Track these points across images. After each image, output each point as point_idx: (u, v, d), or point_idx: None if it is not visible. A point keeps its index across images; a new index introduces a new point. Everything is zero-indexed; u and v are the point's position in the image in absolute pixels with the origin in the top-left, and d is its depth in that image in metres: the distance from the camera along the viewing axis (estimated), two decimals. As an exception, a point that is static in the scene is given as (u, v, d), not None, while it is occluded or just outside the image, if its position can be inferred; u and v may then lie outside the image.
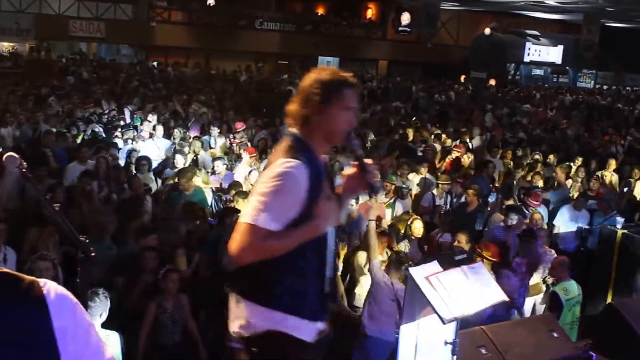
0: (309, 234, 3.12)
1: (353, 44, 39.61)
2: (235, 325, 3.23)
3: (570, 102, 30.23)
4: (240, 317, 3.20)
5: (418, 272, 4.19)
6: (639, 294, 8.22)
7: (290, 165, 3.11)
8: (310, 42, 37.66)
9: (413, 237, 8.83)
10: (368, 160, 3.29)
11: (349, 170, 3.37)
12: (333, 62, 41.71)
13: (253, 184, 10.17)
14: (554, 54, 41.35)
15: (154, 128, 13.61)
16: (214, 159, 11.86)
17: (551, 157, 14.51)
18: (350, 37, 39.61)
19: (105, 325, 5.70)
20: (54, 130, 12.72)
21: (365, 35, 40.76)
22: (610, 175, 13.15)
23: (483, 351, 5.47)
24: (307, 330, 3.21)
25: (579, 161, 14.03)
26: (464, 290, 4.30)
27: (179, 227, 8.40)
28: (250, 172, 10.77)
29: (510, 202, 10.46)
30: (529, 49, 40.10)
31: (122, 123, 14.75)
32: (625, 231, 9.13)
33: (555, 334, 6.02)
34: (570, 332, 7.17)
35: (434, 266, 4.31)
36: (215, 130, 14.37)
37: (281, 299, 3.14)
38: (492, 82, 34.39)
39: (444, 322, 4.09)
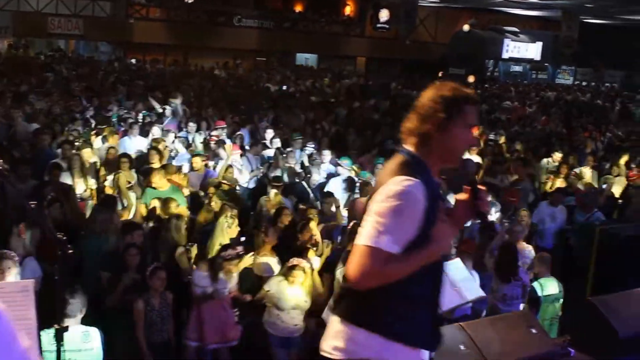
0: (428, 258, 3.01)
1: (331, 41, 39.58)
2: (328, 345, 3.12)
3: (555, 99, 30.41)
4: (338, 339, 3.09)
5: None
6: (618, 290, 8.23)
7: (409, 184, 2.98)
8: (289, 39, 37.65)
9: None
10: (481, 187, 3.16)
11: (461, 195, 3.21)
12: (311, 59, 41.74)
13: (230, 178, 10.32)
14: (532, 50, 41.49)
15: (131, 125, 13.51)
16: (193, 155, 11.78)
17: (529, 153, 14.57)
18: (329, 34, 39.59)
19: (87, 322, 5.70)
20: (38, 127, 12.61)
21: (343, 32, 40.73)
22: (588, 171, 13.17)
23: (462, 347, 5.44)
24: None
25: (557, 157, 14.07)
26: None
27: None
28: (227, 168, 10.75)
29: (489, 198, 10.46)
30: (508, 45, 40.21)
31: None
32: (603, 228, 9.15)
33: (533, 330, 6.00)
34: (550, 328, 7.18)
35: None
36: (192, 127, 14.29)
37: (392, 325, 3.01)
38: (471, 78, 34.47)
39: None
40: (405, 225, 2.94)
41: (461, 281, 4.42)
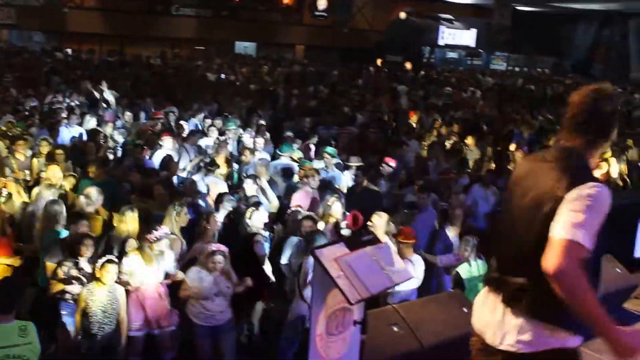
0: (607, 337, 2.99)
1: (270, 29, 39.52)
2: (511, 340, 3.23)
3: (493, 84, 30.92)
4: (523, 333, 3.20)
5: (325, 255, 4.24)
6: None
7: (602, 191, 3.11)
8: (227, 28, 37.39)
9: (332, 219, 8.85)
10: None
11: None
12: (250, 47, 41.57)
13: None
14: (467, 37, 42.11)
15: (69, 115, 13.35)
16: (134, 145, 11.73)
17: (469, 139, 14.85)
18: (267, 22, 39.50)
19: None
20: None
21: (282, 20, 40.69)
22: (520, 155, 13.48)
23: (395, 329, 5.59)
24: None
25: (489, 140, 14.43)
26: (370, 270, 4.38)
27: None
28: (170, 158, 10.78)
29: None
30: (443, 32, 40.74)
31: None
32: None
33: (465, 310, 6.18)
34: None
35: (340, 248, 4.38)
36: (129, 116, 14.18)
37: (572, 320, 3.07)
38: (408, 65, 34.86)
39: (351, 303, 4.16)
40: (596, 226, 3.04)
41: (390, 264, 4.55)
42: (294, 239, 8.14)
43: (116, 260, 6.93)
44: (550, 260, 2.95)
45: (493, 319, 3.35)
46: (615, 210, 8.85)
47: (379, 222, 7.96)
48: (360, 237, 4.64)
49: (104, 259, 6.81)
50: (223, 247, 7.26)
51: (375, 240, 4.61)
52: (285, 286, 7.98)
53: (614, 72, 42.13)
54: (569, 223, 3.00)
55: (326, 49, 41.68)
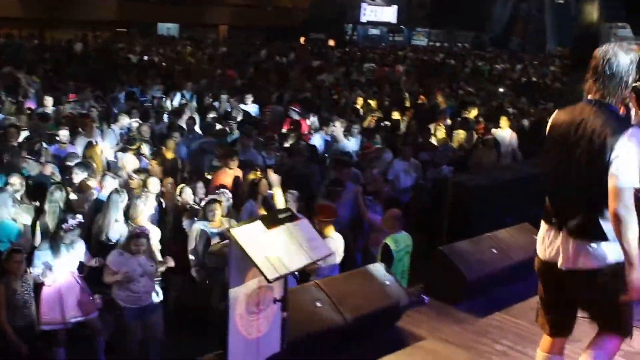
0: (629, 262, 3.72)
1: (192, 10, 38.92)
2: (581, 263, 3.92)
3: (415, 60, 31.24)
4: (588, 254, 3.89)
5: (241, 233, 4.24)
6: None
7: (635, 132, 3.78)
8: (149, 9, 36.72)
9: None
10: None
11: None
12: (173, 28, 40.95)
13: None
14: (388, 13, 42.46)
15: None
16: (58, 130, 11.45)
17: (396, 113, 14.98)
18: (190, 2, 38.90)
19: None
20: None
21: (205, 0, 40.15)
22: (441, 128, 13.69)
23: (318, 304, 5.64)
24: None
25: (410, 113, 14.61)
26: (288, 247, 4.39)
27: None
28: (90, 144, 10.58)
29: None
30: (365, 9, 41.00)
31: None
32: (456, 180, 9.61)
33: (387, 282, 6.28)
34: (401, 281, 7.46)
35: (257, 226, 4.38)
36: (49, 101, 13.84)
37: None
38: (331, 42, 34.94)
39: (269, 281, 4.17)
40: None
41: (308, 241, 4.57)
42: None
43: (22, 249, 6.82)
44: (613, 204, 3.67)
45: (562, 248, 4.01)
46: (530, 178, 9.04)
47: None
48: (278, 215, 4.65)
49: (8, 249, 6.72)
50: (145, 229, 7.21)
51: (293, 217, 4.62)
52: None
53: (532, 45, 43.14)
54: (625, 171, 3.68)
55: (250, 29, 41.40)
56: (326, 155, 12.01)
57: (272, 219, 4.56)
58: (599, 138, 3.79)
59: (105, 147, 11.16)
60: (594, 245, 3.89)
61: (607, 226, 3.79)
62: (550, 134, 4.14)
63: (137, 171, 9.53)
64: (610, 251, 3.85)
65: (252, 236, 4.29)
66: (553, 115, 4.20)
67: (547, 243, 4.13)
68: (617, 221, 3.66)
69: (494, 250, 7.14)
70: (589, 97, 3.98)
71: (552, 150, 4.13)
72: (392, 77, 23.64)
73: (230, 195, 8.61)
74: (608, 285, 3.87)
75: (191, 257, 7.90)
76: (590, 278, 3.93)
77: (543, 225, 4.22)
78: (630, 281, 3.70)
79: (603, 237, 3.85)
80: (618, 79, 3.87)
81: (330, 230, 7.80)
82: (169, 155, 10.83)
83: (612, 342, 4.12)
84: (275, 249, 4.33)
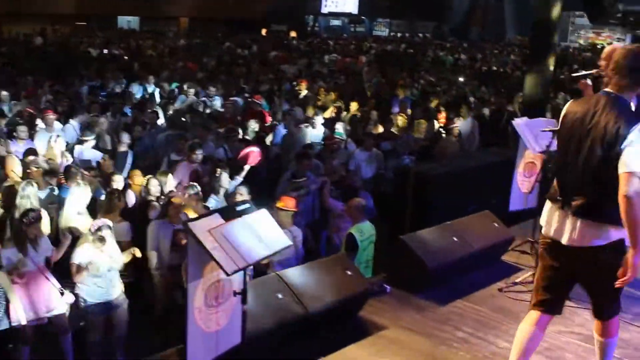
0: (634, 246, 4.00)
1: (152, 2, 38.66)
2: (588, 241, 4.24)
3: (376, 50, 31.28)
4: (600, 234, 4.22)
5: (199, 226, 4.21)
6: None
7: None
8: (109, 2, 36.35)
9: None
10: None
11: None
12: (133, 21, 40.59)
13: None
14: (350, 4, 42.49)
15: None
16: (17, 125, 11.27)
17: (353, 104, 14.97)
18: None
19: None
20: None
21: (165, -7, 39.88)
22: (403, 118, 13.73)
23: (280, 296, 5.61)
24: None
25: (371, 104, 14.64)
26: (246, 240, 4.36)
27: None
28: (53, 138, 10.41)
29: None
30: (326, 0, 40.92)
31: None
32: (417, 169, 9.65)
33: (349, 272, 6.27)
34: (366, 270, 7.50)
35: (215, 219, 4.35)
36: (5, 96, 13.60)
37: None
38: (293, 34, 34.89)
39: (227, 274, 4.15)
40: None
41: (267, 233, 4.55)
42: None
43: None
44: (624, 189, 3.93)
45: (567, 227, 4.33)
46: (491, 166, 9.16)
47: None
48: (235, 207, 4.62)
49: None
50: (108, 221, 7.14)
51: (251, 210, 4.60)
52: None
53: (491, 35, 43.50)
54: (636, 158, 3.95)
55: (211, 21, 41.16)
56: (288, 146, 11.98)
57: (230, 212, 4.52)
58: (613, 127, 4.11)
59: (61, 142, 11.01)
60: (599, 225, 4.23)
61: (613, 209, 4.02)
62: (563, 122, 4.46)
63: (89, 168, 9.45)
64: (613, 231, 4.19)
65: (209, 229, 4.26)
66: (567, 105, 4.52)
67: (553, 222, 4.44)
68: (627, 204, 3.92)
69: (455, 239, 7.17)
70: (607, 89, 4.31)
71: (566, 136, 4.42)
72: (354, 68, 23.67)
73: (199, 189, 8.53)
74: (609, 260, 4.18)
75: (151, 255, 7.79)
76: (593, 254, 4.26)
77: (548, 205, 4.54)
78: (632, 264, 4.00)
79: (609, 218, 4.15)
80: (636, 75, 4.23)
81: (290, 223, 7.81)
82: (122, 148, 10.75)
83: (615, 325, 4.55)
84: (234, 241, 4.30)
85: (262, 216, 4.65)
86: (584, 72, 7.38)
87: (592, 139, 4.19)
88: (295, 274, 6.00)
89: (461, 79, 21.52)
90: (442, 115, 14.08)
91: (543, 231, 4.55)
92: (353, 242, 7.53)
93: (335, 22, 45.29)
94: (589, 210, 4.24)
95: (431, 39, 41.25)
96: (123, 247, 7.36)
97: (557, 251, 4.42)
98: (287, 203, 7.82)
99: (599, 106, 4.24)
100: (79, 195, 8.00)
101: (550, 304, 4.57)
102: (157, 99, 15.24)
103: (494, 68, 26.51)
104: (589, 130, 4.22)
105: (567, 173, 4.38)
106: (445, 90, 18.38)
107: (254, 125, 12.18)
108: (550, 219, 4.47)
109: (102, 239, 6.92)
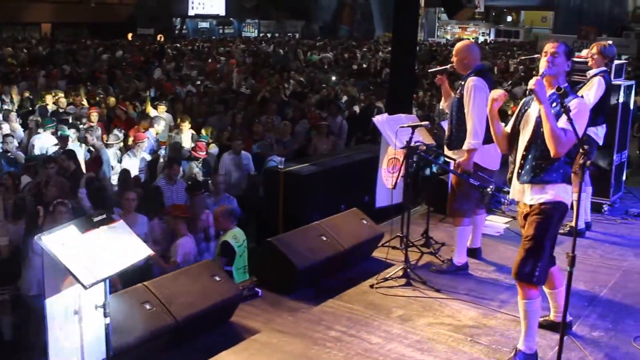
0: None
1: (11, 7, 37.04)
2: (542, 198, 5.05)
3: (245, 52, 31.19)
4: (544, 193, 5.03)
5: (52, 240, 4.03)
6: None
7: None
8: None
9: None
10: None
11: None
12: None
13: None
14: (217, 6, 42.23)
15: None
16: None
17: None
18: (7, 0, 36.99)
19: None
20: None
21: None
22: (271, 119, 13.73)
23: (147, 306, 5.47)
24: None
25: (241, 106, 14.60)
26: (105, 251, 4.22)
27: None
28: None
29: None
30: (193, 2, 40.58)
31: None
32: (287, 170, 9.64)
33: (217, 278, 6.19)
34: (244, 275, 7.47)
35: (71, 231, 4.16)
36: None
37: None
38: (160, 37, 34.34)
39: (85, 288, 4.00)
40: None
41: (127, 244, 4.43)
42: None
43: None
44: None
45: (525, 192, 5.15)
46: (361, 164, 9.30)
47: None
48: (93, 218, 4.45)
49: None
50: None
51: (109, 220, 4.45)
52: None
53: (360, 32, 44.25)
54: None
55: (75, 26, 39.95)
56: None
57: (87, 223, 4.36)
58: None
59: None
60: (545, 187, 5.04)
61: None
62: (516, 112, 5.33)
63: None
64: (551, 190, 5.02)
65: (65, 242, 4.09)
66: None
67: (515, 189, 5.25)
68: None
69: (324, 238, 7.19)
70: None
71: (513, 127, 5.27)
72: (224, 70, 23.53)
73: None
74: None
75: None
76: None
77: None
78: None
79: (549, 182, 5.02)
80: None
81: (184, 230, 7.92)
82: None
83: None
84: (91, 253, 4.15)
85: (120, 226, 4.52)
86: (439, 68, 7.66)
87: (531, 123, 5.12)
88: (162, 283, 5.86)
89: (333, 78, 21.76)
90: (313, 114, 14.18)
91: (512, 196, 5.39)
92: (229, 249, 7.48)
93: (204, 25, 44.91)
94: (540, 179, 5.08)
95: (300, 38, 41.53)
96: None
97: (526, 211, 5.22)
98: (180, 209, 8.01)
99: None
100: None
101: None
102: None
103: (364, 66, 26.97)
104: (528, 118, 5.17)
105: (517, 152, 5.23)
106: (317, 90, 18.52)
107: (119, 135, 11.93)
108: (512, 188, 5.28)
109: None
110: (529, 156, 5.06)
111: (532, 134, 5.03)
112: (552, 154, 4.86)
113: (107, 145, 11.34)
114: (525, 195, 5.15)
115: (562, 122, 4.79)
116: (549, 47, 5.00)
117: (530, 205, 5.11)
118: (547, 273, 5.20)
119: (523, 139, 5.12)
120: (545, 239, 5.04)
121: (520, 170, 5.13)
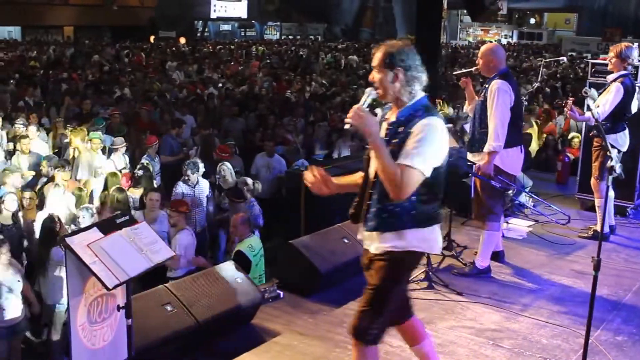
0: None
1: (34, 11, 37.41)
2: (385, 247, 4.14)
3: (267, 54, 31.25)
4: (387, 242, 4.15)
5: (77, 242, 4.05)
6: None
7: None
8: (-15, 12, 35.04)
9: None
10: None
11: None
12: (15, 31, 39.21)
13: None
14: (239, 8, 42.35)
15: None
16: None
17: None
18: (31, 3, 37.32)
19: None
20: None
21: (46, 1, 38.62)
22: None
23: (168, 308, 5.50)
24: None
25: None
26: (127, 253, 4.24)
27: None
28: None
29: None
30: (215, 5, 40.71)
31: None
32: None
33: (239, 280, 6.20)
34: (261, 281, 7.48)
35: (94, 233, 4.20)
36: None
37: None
38: (182, 40, 34.52)
39: (108, 289, 4.01)
40: None
41: (149, 244, 4.43)
42: None
43: None
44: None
45: (372, 241, 4.23)
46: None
47: None
48: (115, 220, 4.47)
49: None
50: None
51: (130, 222, 4.46)
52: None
53: (382, 35, 44.15)
54: None
55: (97, 29, 40.24)
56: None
57: (109, 225, 4.38)
58: None
59: None
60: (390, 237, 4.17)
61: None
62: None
63: None
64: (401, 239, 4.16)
65: (87, 243, 4.11)
66: None
67: (365, 239, 4.46)
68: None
69: (346, 240, 7.18)
70: None
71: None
72: (246, 72, 23.57)
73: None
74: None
75: None
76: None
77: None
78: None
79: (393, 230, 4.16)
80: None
81: (184, 225, 7.96)
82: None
83: None
84: (114, 255, 4.17)
85: (142, 227, 4.53)
86: (464, 70, 7.62)
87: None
88: (184, 285, 5.90)
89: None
90: (333, 117, 14.17)
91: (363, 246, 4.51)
92: (244, 259, 7.47)
93: (225, 27, 45.06)
94: (382, 228, 4.23)
95: (322, 41, 41.53)
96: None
97: (371, 260, 4.34)
98: (179, 205, 8.06)
99: None
100: None
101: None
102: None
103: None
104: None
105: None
106: (341, 92, 18.48)
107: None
108: (363, 238, 4.47)
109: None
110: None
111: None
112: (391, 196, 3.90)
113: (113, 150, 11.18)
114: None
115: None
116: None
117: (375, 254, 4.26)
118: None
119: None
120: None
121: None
